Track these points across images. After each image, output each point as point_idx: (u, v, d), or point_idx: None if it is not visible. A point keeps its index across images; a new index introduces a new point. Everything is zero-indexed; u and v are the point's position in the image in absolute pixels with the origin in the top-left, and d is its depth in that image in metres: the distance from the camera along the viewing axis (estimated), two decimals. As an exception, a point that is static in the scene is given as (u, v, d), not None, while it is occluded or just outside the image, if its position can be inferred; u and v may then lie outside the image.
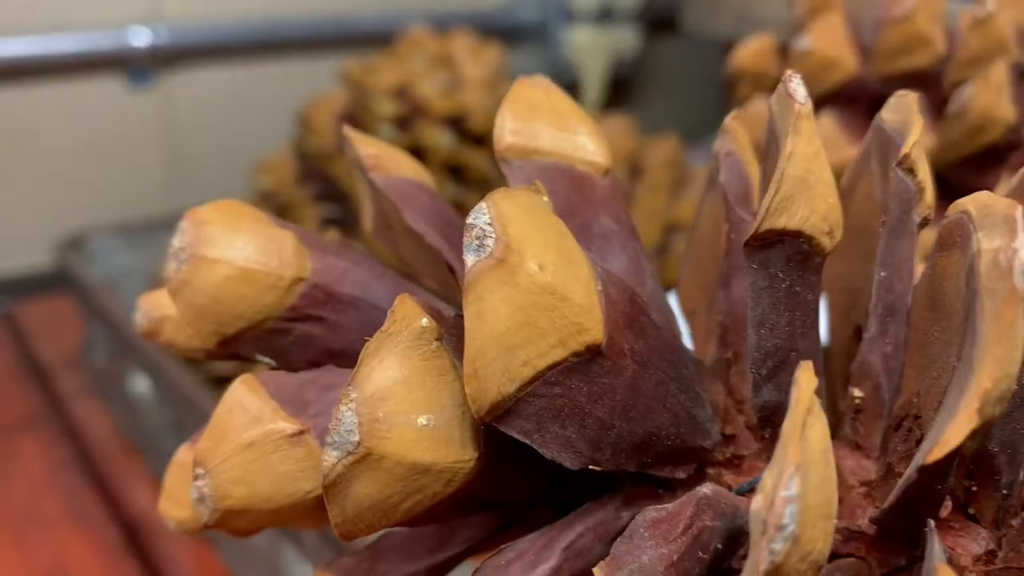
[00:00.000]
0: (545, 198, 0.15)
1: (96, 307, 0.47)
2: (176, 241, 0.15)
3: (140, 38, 0.67)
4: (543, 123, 0.16)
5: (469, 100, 0.54)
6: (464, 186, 0.52)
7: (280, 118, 0.61)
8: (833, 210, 0.14)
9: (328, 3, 0.74)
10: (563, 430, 0.14)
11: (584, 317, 0.13)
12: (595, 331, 0.13)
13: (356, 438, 0.12)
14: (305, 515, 0.15)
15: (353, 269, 0.16)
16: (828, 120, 0.33)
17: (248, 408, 0.15)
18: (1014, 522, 0.15)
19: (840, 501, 0.15)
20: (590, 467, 0.14)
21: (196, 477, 0.15)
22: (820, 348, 0.15)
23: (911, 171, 0.15)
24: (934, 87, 0.32)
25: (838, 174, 0.34)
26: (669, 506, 0.14)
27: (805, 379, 0.11)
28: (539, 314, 0.13)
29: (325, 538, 0.29)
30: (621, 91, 0.86)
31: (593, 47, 0.83)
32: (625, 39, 0.85)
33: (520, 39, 0.86)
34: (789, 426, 0.11)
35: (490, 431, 0.14)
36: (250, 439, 0.15)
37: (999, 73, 0.29)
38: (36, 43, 0.64)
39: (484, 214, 0.13)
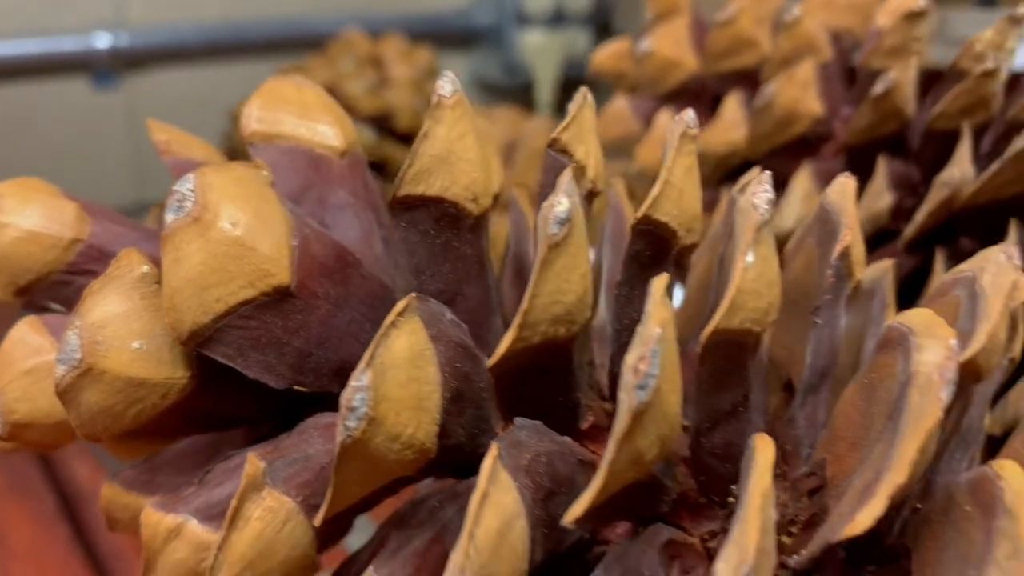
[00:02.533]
0: (265, 172, 0.18)
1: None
2: (-24, 209, 0.19)
3: (104, 41, 0.71)
4: (287, 113, 0.20)
5: (395, 99, 0.57)
6: (387, 180, 0.56)
7: (232, 117, 0.65)
8: (476, 182, 0.17)
9: (285, 7, 0.78)
10: (264, 356, 0.17)
11: (270, 264, 0.17)
12: (281, 276, 0.17)
13: (79, 356, 0.16)
14: (80, 430, 0.19)
15: (127, 233, 0.20)
16: (667, 116, 0.36)
17: (30, 343, 0.18)
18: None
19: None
20: (295, 388, 0.18)
21: (-13, 397, 0.18)
22: (489, 292, 0.18)
23: (565, 151, 0.18)
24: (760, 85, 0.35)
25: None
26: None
27: (395, 309, 0.15)
28: (229, 261, 0.16)
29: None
30: (574, 91, 0.89)
31: (546, 49, 0.87)
32: (577, 41, 0.88)
33: (477, 42, 0.90)
34: (374, 340, 0.15)
35: (204, 357, 0.17)
36: (30, 366, 0.18)
37: (806, 71, 0.33)
38: (4, 46, 0.69)
39: (189, 182, 0.16)
